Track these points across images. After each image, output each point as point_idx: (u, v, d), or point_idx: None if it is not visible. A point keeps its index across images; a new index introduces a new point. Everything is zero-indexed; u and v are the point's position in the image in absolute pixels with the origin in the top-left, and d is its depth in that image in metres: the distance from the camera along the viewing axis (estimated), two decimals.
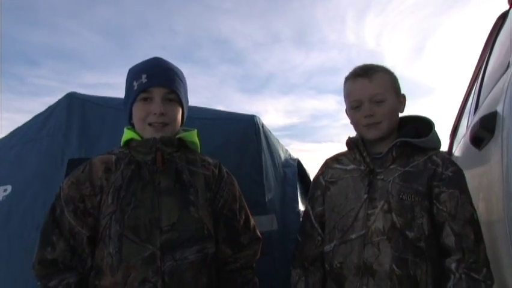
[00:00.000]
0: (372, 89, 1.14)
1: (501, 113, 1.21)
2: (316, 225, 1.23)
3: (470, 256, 1.02)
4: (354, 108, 1.18)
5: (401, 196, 1.08)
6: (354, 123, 1.21)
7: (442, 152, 1.17)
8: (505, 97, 1.19)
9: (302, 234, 1.26)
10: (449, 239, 1.05)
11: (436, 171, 1.10)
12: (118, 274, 1.03)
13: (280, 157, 2.23)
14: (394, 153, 1.14)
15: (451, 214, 1.05)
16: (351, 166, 1.21)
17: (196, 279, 1.08)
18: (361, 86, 1.16)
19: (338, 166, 1.25)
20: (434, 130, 1.19)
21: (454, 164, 1.15)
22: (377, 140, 1.17)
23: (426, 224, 1.07)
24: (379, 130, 1.15)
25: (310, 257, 1.22)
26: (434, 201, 1.08)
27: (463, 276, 1.00)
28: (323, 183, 1.26)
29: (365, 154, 1.17)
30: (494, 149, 1.25)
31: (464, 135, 2.10)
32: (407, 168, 1.12)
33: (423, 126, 1.20)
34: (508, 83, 1.19)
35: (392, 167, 1.14)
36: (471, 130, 1.50)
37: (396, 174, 1.12)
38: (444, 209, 1.06)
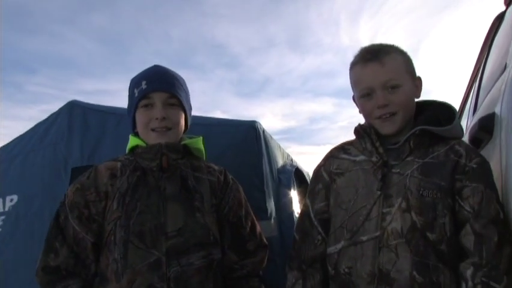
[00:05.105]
0: (384, 74, 1.00)
1: (499, 114, 1.21)
2: (316, 222, 1.09)
3: (489, 261, 0.87)
4: (364, 97, 1.04)
5: (421, 192, 0.95)
6: (366, 113, 1.07)
7: (465, 142, 1.05)
8: (503, 98, 1.20)
9: (300, 232, 1.12)
10: (467, 239, 0.91)
11: (459, 162, 0.97)
12: (123, 280, 1.03)
13: (277, 163, 2.24)
14: (412, 144, 1.00)
15: (474, 211, 0.92)
16: (361, 157, 1.06)
17: (202, 285, 1.08)
18: (372, 72, 1.02)
19: (345, 156, 1.10)
20: (457, 117, 1.06)
21: (479, 154, 1.01)
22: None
23: (449, 224, 0.94)
24: (395, 124, 1.01)
25: (308, 258, 1.08)
26: (457, 197, 0.95)
27: (479, 286, 0.86)
28: (325, 176, 1.12)
29: (377, 144, 1.03)
30: (492, 150, 1.25)
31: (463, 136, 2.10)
32: (426, 160, 0.98)
33: (443, 112, 1.06)
34: (506, 84, 1.20)
35: (409, 158, 1.00)
36: (470, 131, 1.51)
37: (415, 167, 0.98)
38: (467, 206, 0.93)
